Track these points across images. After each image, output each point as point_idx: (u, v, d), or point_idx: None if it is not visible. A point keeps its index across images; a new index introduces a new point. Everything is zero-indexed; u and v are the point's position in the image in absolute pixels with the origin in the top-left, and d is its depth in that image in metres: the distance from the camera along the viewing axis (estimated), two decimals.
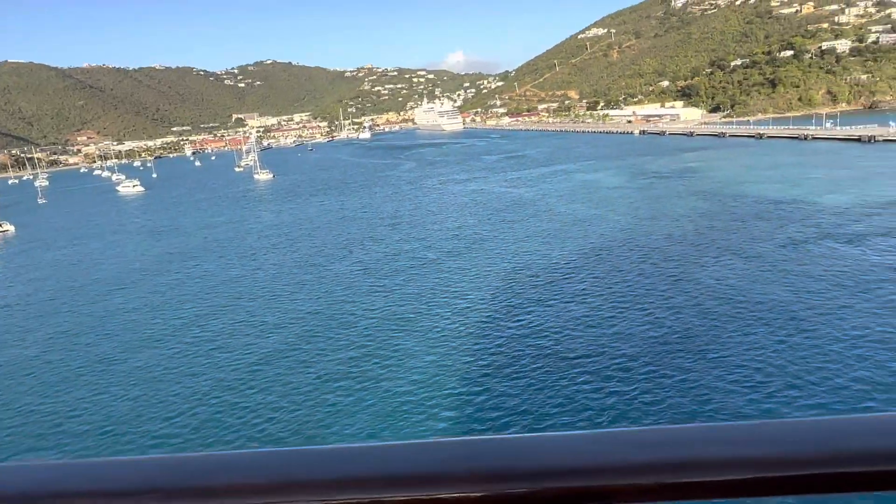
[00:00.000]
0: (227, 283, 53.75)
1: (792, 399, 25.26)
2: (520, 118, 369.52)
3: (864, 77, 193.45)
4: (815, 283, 39.22)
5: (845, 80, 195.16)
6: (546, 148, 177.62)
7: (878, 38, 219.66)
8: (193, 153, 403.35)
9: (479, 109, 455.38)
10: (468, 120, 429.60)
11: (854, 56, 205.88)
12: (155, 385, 32.52)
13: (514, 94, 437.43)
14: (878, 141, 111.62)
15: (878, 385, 25.66)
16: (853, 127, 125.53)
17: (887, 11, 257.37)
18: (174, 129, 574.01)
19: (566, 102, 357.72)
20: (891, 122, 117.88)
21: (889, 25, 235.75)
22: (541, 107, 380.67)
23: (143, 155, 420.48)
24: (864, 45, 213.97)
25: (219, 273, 57.90)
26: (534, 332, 35.71)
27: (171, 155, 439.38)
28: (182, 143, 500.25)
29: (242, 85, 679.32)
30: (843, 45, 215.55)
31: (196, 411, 29.16)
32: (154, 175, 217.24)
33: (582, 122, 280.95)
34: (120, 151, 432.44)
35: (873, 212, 57.55)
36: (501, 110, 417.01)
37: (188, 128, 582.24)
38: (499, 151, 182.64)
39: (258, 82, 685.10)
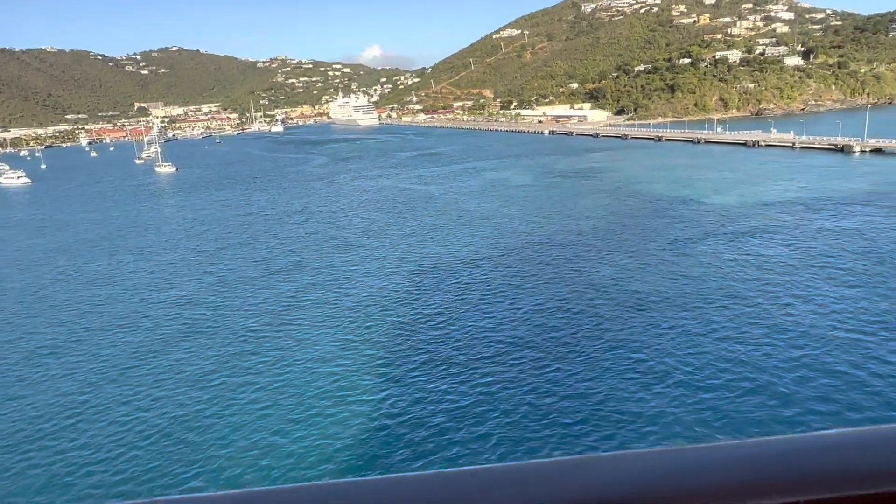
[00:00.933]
0: (116, 281, 50.77)
1: (674, 388, 26.94)
2: (435, 115, 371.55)
3: (751, 86, 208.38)
4: (694, 280, 41.94)
5: (735, 87, 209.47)
6: (459, 146, 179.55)
7: (764, 49, 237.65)
8: (90, 143, 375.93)
9: (396, 105, 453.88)
10: (384, 116, 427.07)
11: (743, 66, 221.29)
12: (33, 385, 30.26)
13: (431, 90, 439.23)
14: (760, 146, 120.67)
15: (754, 376, 27.85)
16: (740, 132, 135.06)
17: (773, 26, 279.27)
18: (68, 116, 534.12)
19: (481, 101, 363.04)
20: (772, 129, 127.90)
21: (774, 39, 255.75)
22: (456, 105, 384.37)
23: (31, 144, 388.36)
24: (752, 55, 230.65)
25: (106, 271, 54.58)
26: (436, 325, 36.09)
27: (64, 144, 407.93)
28: (77, 132, 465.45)
29: (146, 72, 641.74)
30: (734, 56, 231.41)
31: (68, 401, 27.40)
32: (43, 166, 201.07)
33: (495, 120, 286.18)
34: (4, 139, 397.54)
35: (751, 212, 62.22)
36: (417, 107, 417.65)
37: (84, 116, 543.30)
38: (413, 148, 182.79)
39: (163, 70, 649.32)
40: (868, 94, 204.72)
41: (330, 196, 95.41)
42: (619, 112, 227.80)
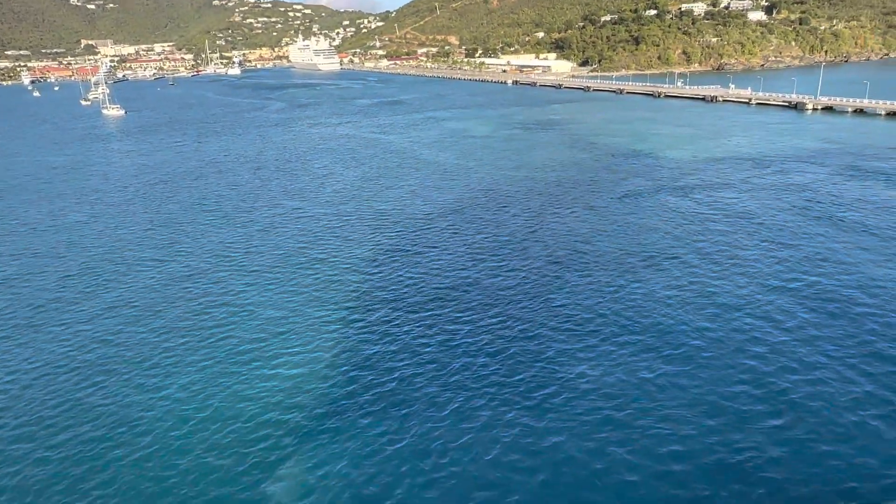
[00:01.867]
0: (59, 228, 48.94)
1: (615, 345, 27.71)
2: (398, 61, 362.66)
3: (714, 40, 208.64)
4: (641, 235, 42.70)
5: (699, 41, 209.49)
6: (422, 94, 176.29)
7: (728, 3, 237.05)
8: (32, 82, 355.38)
9: (358, 50, 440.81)
10: (346, 60, 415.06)
11: (708, 20, 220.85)
12: None
13: (395, 36, 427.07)
14: (718, 101, 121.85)
15: (705, 328, 28.79)
16: (699, 87, 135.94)
17: None
18: (8, 52, 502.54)
19: (446, 48, 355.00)
20: (731, 84, 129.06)
21: None
22: (420, 51, 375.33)
23: None
24: (716, 9, 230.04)
25: (47, 218, 52.53)
26: (392, 278, 36.07)
27: (4, 83, 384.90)
28: (19, 69, 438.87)
29: (92, 6, 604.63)
30: (699, 8, 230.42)
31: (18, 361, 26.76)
32: None
33: (459, 68, 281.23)
34: None
35: (702, 168, 63.21)
36: (381, 52, 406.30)
37: (27, 52, 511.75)
38: (374, 96, 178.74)
39: (111, 5, 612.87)
40: (826, 52, 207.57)
41: (286, 144, 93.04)
42: (584, 63, 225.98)
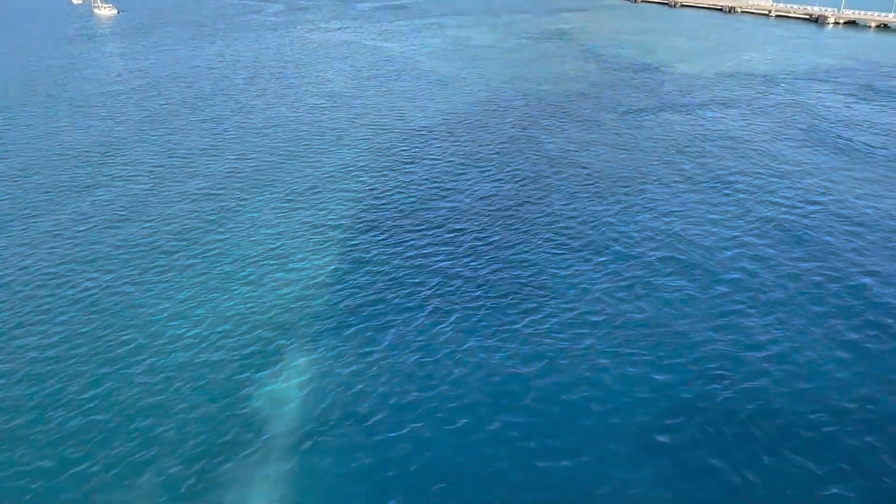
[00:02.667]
0: (51, 135, 48.29)
1: (608, 262, 27.94)
2: None
3: None
4: (642, 153, 42.03)
5: None
6: None
7: None
8: None
9: None
10: None
11: None
12: None
13: None
14: (736, 12, 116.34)
15: (688, 251, 28.93)
16: None
17: None
18: None
19: None
20: None
21: None
22: None
23: None
24: None
25: (40, 126, 51.71)
26: (385, 188, 35.89)
27: None
28: None
29: None
30: None
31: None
32: None
33: None
34: None
35: (712, 83, 61.30)
36: None
37: None
38: None
39: None
40: None
41: (283, 49, 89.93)
42: None
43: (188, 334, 23.17)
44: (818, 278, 26.23)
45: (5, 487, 16.87)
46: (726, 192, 35.02)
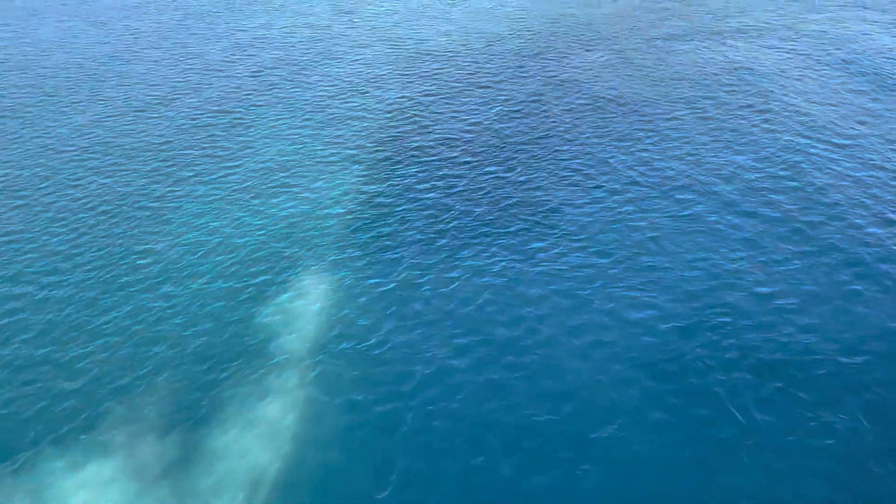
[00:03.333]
0: (66, 50, 47.87)
1: (628, 195, 27.76)
2: None
3: None
4: (666, 85, 40.62)
5: None
6: None
7: None
8: None
9: None
10: None
11: None
12: None
13: None
14: None
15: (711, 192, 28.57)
16: None
17: None
18: None
19: None
20: None
21: None
22: None
23: None
24: None
25: (53, 36, 51.14)
26: (404, 117, 35.56)
27: None
28: None
29: None
30: None
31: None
32: None
33: None
34: None
35: (748, 5, 58.05)
36: None
37: None
38: None
39: None
40: None
41: None
42: None
43: (199, 248, 23.83)
44: (839, 223, 25.88)
45: (30, 410, 18.01)
46: (750, 127, 33.99)
